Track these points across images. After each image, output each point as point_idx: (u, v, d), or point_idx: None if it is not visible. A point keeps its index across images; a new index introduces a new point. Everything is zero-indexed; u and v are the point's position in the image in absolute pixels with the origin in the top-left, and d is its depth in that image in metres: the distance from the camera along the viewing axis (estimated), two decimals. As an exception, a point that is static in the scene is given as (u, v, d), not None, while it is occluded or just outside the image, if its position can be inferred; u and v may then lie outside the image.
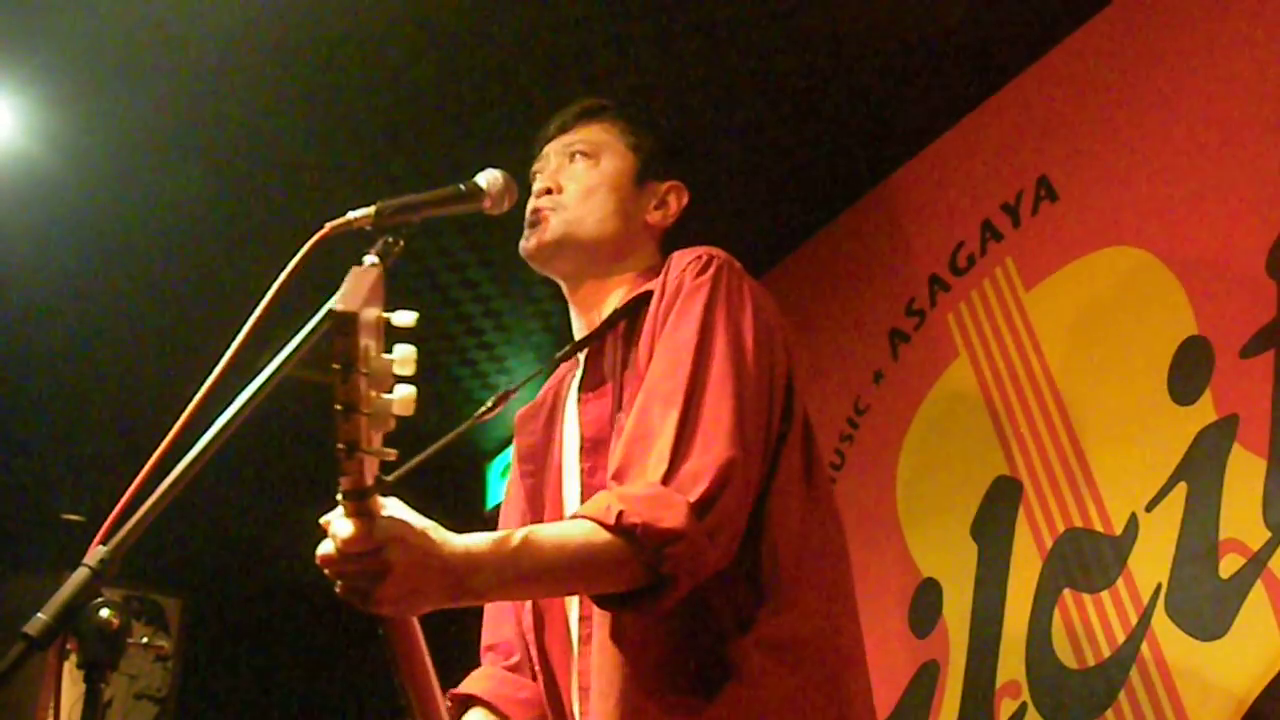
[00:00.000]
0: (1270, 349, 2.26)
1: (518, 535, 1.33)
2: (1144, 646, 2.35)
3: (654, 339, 1.59)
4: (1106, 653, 2.42)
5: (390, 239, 1.45)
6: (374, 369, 1.08)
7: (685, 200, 1.87)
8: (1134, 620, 2.38)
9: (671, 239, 1.84)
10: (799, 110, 3.11)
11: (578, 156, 1.83)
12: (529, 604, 1.68)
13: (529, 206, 1.81)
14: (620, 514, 1.33)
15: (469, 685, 1.72)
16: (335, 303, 1.05)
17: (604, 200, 1.79)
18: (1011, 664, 2.61)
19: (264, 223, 3.34)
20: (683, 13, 2.80)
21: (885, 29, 2.87)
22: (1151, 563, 2.38)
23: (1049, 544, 2.61)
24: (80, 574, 1.14)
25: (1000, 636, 2.66)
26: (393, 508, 1.26)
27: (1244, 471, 2.24)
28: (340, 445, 1.08)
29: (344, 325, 1.04)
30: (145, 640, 4.60)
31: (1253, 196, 2.36)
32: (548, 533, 1.36)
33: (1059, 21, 2.83)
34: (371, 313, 1.09)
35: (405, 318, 1.15)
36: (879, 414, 3.17)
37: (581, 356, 1.77)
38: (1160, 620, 2.33)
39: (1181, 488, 2.35)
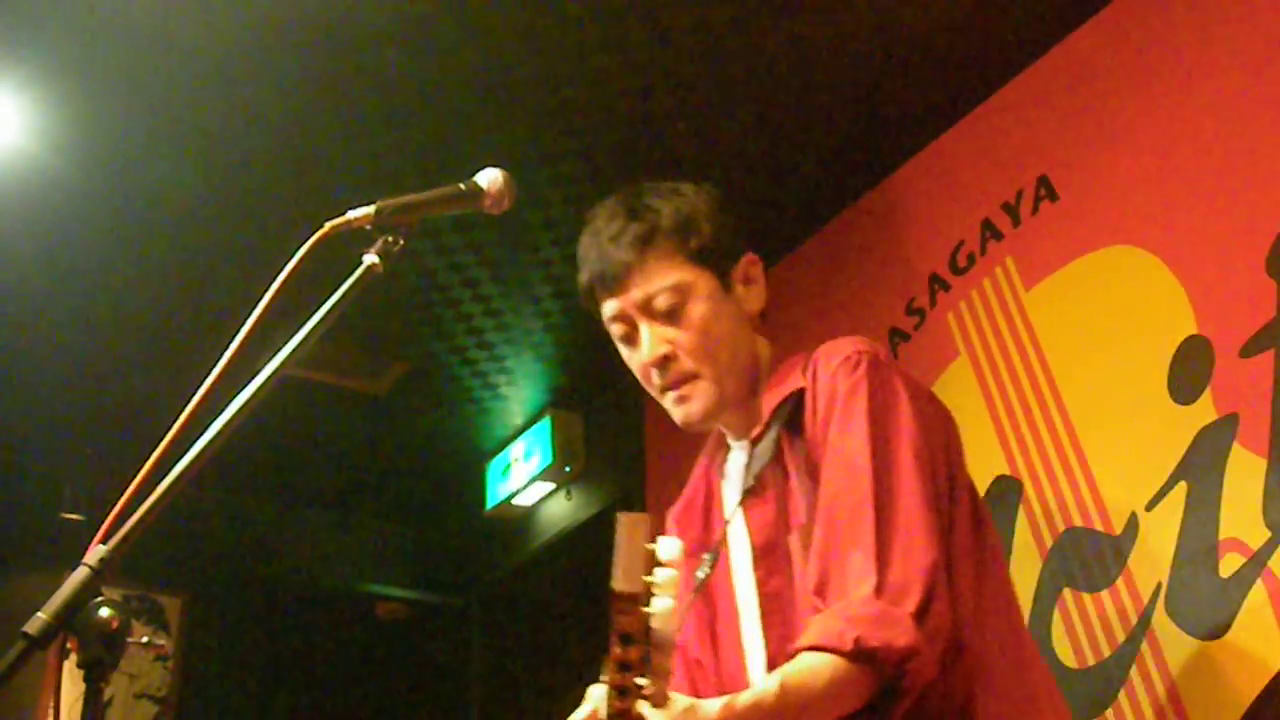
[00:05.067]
0: (1270, 348, 2.26)
1: (772, 689, 1.39)
2: (1144, 646, 2.35)
3: (816, 445, 1.62)
4: (1106, 652, 2.42)
5: (390, 238, 1.45)
6: (657, 634, 1.04)
7: (761, 265, 1.83)
8: (1134, 619, 2.38)
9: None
10: (799, 110, 3.11)
11: (669, 314, 1.72)
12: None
13: (656, 380, 1.74)
14: (857, 640, 1.39)
15: None
16: (615, 580, 0.98)
17: (721, 341, 1.73)
18: (1011, 663, 2.61)
19: (264, 222, 3.34)
20: (681, 13, 2.80)
21: (885, 28, 2.87)
22: (1151, 562, 2.38)
23: (1049, 543, 2.60)
24: (80, 573, 1.13)
25: (1000, 636, 2.66)
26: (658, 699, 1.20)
27: (1244, 471, 2.24)
28: (614, 690, 1.09)
29: (628, 607, 0.99)
30: (145, 640, 4.60)
31: (1253, 195, 2.36)
32: (795, 679, 1.41)
33: (1059, 21, 2.82)
34: (648, 568, 1.01)
35: (670, 550, 1.06)
36: (879, 413, 3.17)
37: (740, 459, 1.78)
38: (1160, 619, 2.33)
39: (1181, 487, 2.35)
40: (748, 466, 1.74)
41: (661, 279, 1.72)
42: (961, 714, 1.50)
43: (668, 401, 1.75)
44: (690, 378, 1.72)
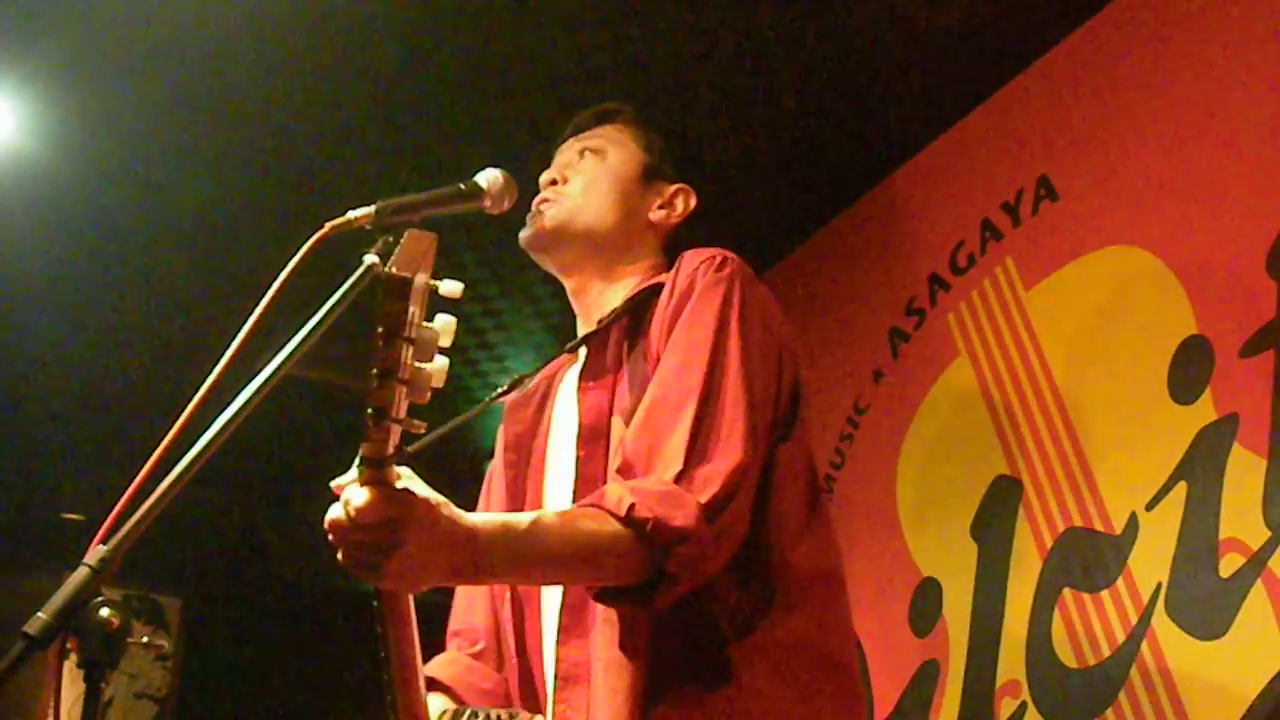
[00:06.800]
0: (1270, 348, 2.26)
1: (527, 517, 1.34)
2: (1144, 646, 2.35)
3: (664, 334, 1.59)
4: (1106, 652, 2.42)
5: (390, 238, 1.45)
6: (419, 337, 1.07)
7: (693, 203, 1.87)
8: (1134, 620, 2.38)
9: (676, 240, 1.84)
10: (799, 110, 3.11)
11: (586, 153, 1.84)
12: (509, 593, 1.68)
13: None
14: (632, 506, 1.34)
15: (432, 669, 1.68)
16: (390, 265, 1.03)
17: (605, 193, 1.80)
18: (1012, 663, 2.61)
19: (264, 222, 3.34)
20: (682, 14, 2.81)
21: (885, 28, 2.87)
22: (1151, 562, 2.38)
23: (1049, 543, 2.61)
24: (80, 573, 1.13)
25: (1000, 636, 2.66)
26: (408, 479, 1.25)
27: (1244, 471, 2.24)
28: (370, 410, 1.07)
29: (397, 290, 1.02)
30: (145, 640, 4.60)
31: (1253, 196, 2.36)
32: (557, 518, 1.37)
33: (1059, 21, 2.82)
34: (421, 279, 1.06)
35: (452, 287, 1.13)
36: (879, 413, 3.17)
37: (583, 349, 1.76)
38: (1160, 620, 2.33)
39: (1181, 487, 2.35)
40: (590, 353, 1.72)
41: (602, 133, 1.88)
42: (746, 625, 1.46)
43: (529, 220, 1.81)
44: (553, 200, 1.79)
